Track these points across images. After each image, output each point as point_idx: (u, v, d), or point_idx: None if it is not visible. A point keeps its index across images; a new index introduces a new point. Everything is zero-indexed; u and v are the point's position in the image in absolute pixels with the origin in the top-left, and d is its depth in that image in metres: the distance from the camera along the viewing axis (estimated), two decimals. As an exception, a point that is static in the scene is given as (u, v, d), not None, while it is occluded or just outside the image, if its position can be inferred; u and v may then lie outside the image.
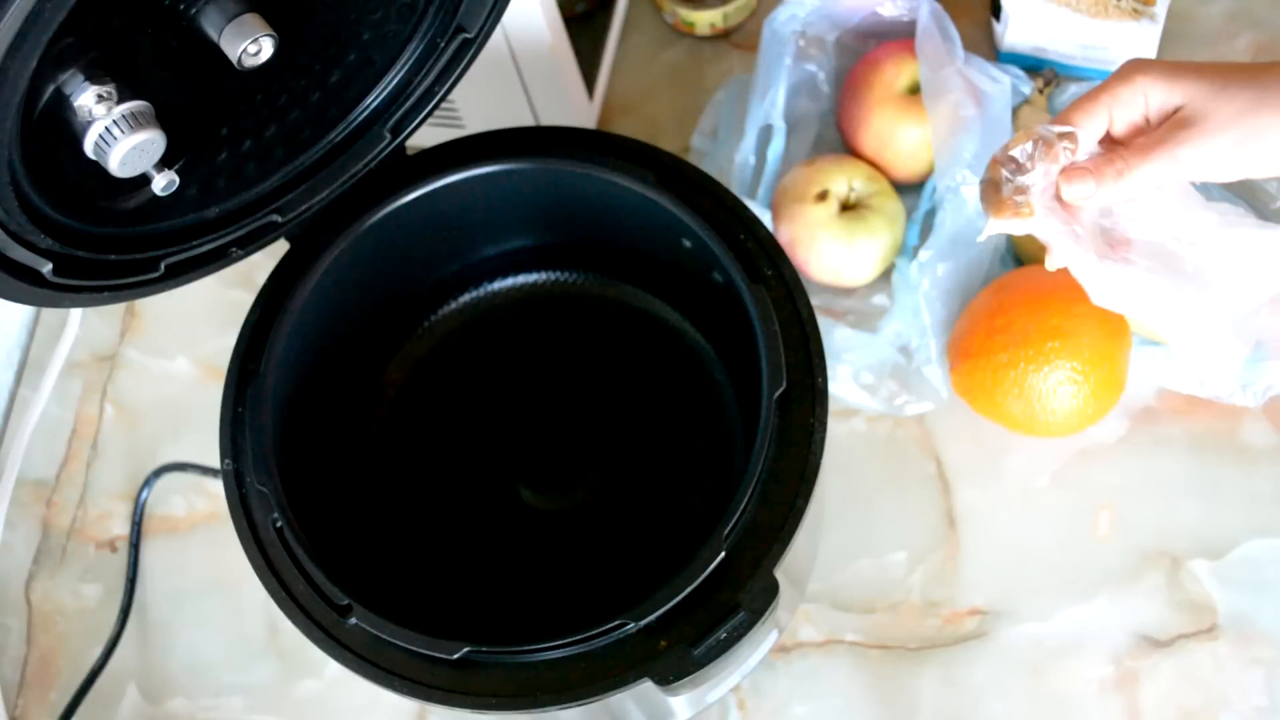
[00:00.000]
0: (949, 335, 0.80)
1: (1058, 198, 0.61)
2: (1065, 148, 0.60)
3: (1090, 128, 0.60)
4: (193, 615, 0.83)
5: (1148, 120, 0.61)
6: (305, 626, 0.60)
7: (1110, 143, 0.61)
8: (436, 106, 0.69)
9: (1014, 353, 0.74)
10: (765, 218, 0.83)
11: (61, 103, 0.54)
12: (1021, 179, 0.60)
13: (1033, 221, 0.60)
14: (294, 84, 0.65)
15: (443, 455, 0.75)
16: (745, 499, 0.60)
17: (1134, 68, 0.60)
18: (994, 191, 0.61)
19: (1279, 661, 0.73)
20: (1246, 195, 0.80)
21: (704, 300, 0.71)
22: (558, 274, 0.78)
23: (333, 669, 0.79)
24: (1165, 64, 0.60)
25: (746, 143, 0.84)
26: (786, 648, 0.76)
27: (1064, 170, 0.60)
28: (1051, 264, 0.62)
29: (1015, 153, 0.61)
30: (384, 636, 0.59)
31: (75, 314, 0.92)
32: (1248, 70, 0.59)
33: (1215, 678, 0.73)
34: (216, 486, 0.86)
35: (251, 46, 0.58)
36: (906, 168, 0.85)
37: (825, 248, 0.81)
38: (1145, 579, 0.76)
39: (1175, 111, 0.59)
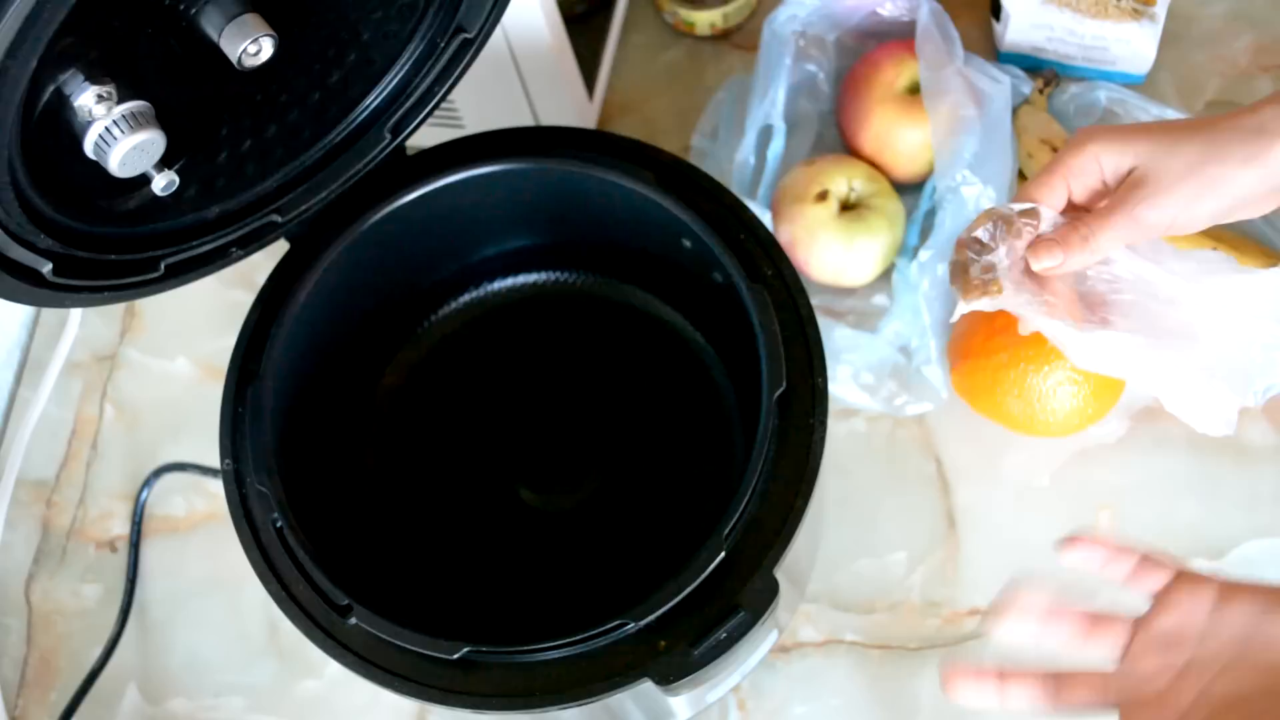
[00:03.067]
0: (949, 335, 0.80)
1: (1028, 271, 0.63)
2: (1026, 224, 0.62)
3: (1050, 200, 0.62)
4: (193, 615, 0.83)
5: (1105, 185, 0.62)
6: (305, 626, 0.60)
7: (1075, 211, 0.63)
8: (436, 106, 0.69)
9: (1014, 353, 0.74)
10: (765, 218, 0.83)
11: (61, 103, 0.54)
12: (987, 258, 0.62)
13: (1002, 299, 0.62)
14: (294, 84, 0.65)
15: (443, 455, 0.75)
16: (745, 499, 0.60)
17: (1085, 136, 0.62)
18: (962, 273, 0.63)
19: (1279, 661, 0.73)
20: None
21: (704, 300, 0.71)
22: (558, 274, 0.78)
23: (333, 669, 0.79)
24: (1115, 129, 0.61)
25: (746, 143, 0.84)
26: (786, 648, 0.76)
27: (1031, 244, 0.62)
28: (1025, 329, 0.63)
29: (979, 233, 0.62)
30: (384, 636, 0.59)
31: (75, 314, 0.92)
32: (1195, 125, 0.60)
33: (1215, 678, 0.73)
34: (216, 486, 0.86)
35: (251, 46, 0.58)
36: (906, 168, 0.85)
37: (825, 248, 0.81)
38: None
39: (1130, 173, 0.61)
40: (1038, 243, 0.62)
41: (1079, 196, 0.63)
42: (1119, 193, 0.61)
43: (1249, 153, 0.58)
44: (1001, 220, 0.63)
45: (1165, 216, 0.60)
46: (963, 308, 0.63)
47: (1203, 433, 0.66)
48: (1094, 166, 0.61)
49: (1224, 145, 0.59)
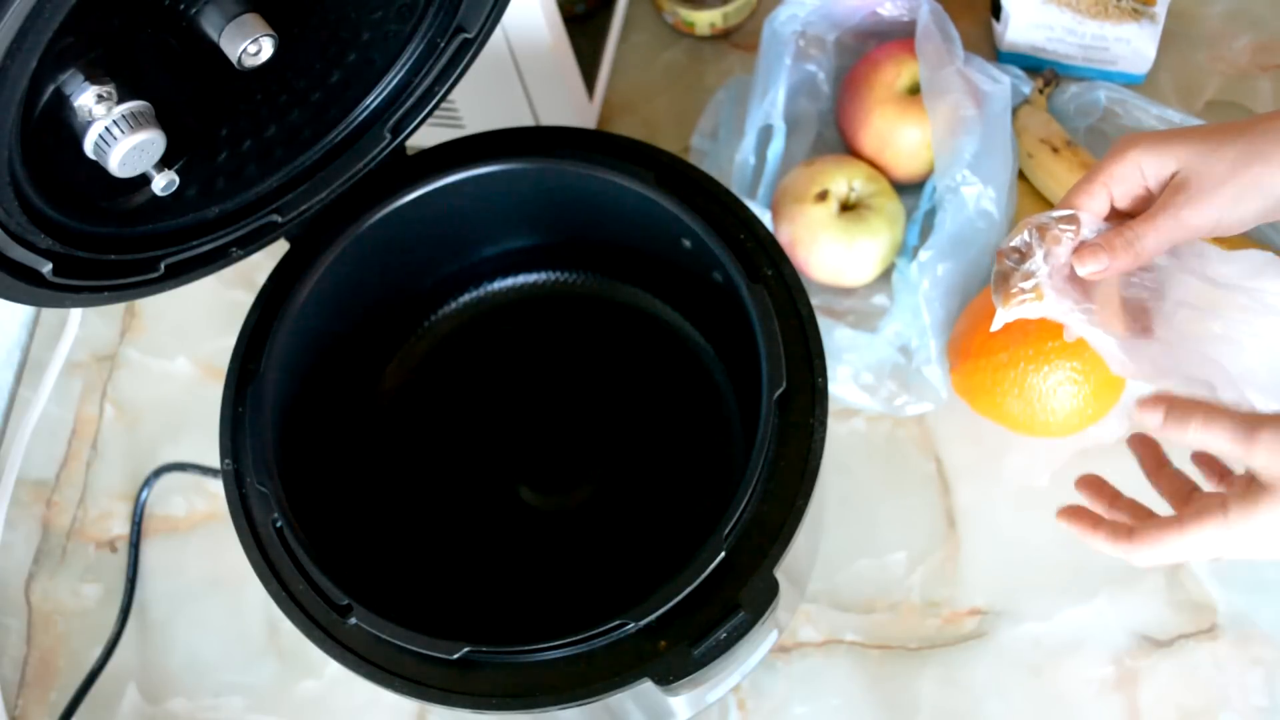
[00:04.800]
0: (949, 335, 0.80)
1: (1071, 277, 0.63)
2: (1065, 230, 0.62)
3: (1092, 206, 0.62)
4: (193, 615, 0.83)
5: (1148, 190, 0.62)
6: (305, 626, 0.60)
7: (1119, 217, 0.63)
8: (436, 106, 0.69)
9: (1014, 353, 0.74)
10: (765, 218, 0.83)
11: (61, 103, 0.54)
12: (1026, 266, 0.62)
13: (1043, 305, 0.62)
14: (294, 84, 0.65)
15: (443, 455, 0.75)
16: (745, 499, 0.60)
17: (1126, 143, 0.62)
18: (1002, 282, 0.63)
19: (1279, 662, 0.73)
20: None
21: (704, 300, 0.71)
22: (558, 274, 0.78)
23: (333, 669, 0.79)
24: (1156, 134, 0.62)
25: (746, 143, 0.84)
26: (786, 648, 0.77)
27: (1077, 249, 0.62)
28: (1069, 336, 0.64)
29: (1015, 242, 0.63)
30: (384, 636, 0.59)
31: (75, 314, 0.92)
32: (1236, 127, 0.60)
33: (1215, 678, 0.73)
34: (216, 486, 0.86)
35: (251, 46, 0.58)
36: (906, 168, 0.85)
37: (825, 248, 0.81)
38: (1145, 579, 0.76)
39: (1172, 177, 0.61)
40: (1083, 247, 0.62)
41: (1122, 203, 0.63)
42: (1163, 197, 0.61)
43: None
44: (1039, 228, 0.63)
45: (1209, 218, 0.60)
46: (1004, 315, 0.63)
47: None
48: (1136, 173, 0.62)
49: (1265, 146, 0.59)
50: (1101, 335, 0.62)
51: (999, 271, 0.64)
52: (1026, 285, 0.62)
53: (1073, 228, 0.62)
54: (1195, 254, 0.65)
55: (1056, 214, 0.62)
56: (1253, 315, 0.64)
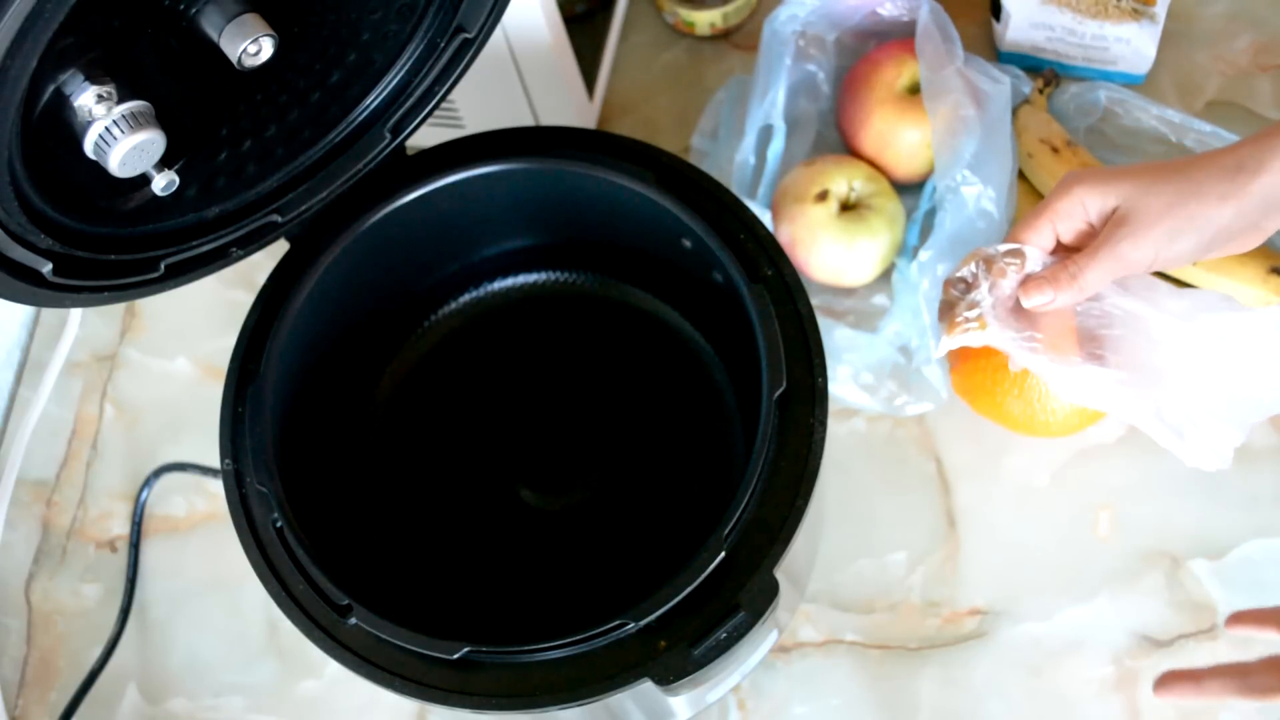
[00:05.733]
0: (949, 335, 0.80)
1: (1015, 309, 0.66)
2: (1009, 263, 0.65)
3: (1037, 241, 0.65)
4: (193, 615, 0.83)
5: (1091, 226, 0.65)
6: (305, 626, 0.60)
7: (1065, 251, 0.66)
8: (436, 106, 0.69)
9: (1014, 353, 0.74)
10: (765, 218, 0.83)
11: (61, 103, 0.54)
12: (972, 296, 0.65)
13: (986, 334, 0.65)
14: (294, 84, 0.65)
15: (443, 455, 0.75)
16: (745, 499, 0.60)
17: (1071, 180, 0.64)
18: (948, 311, 0.66)
19: (1279, 661, 0.73)
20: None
21: (704, 300, 0.71)
22: (558, 274, 0.78)
23: (333, 669, 0.79)
24: (1099, 171, 0.64)
25: (746, 143, 0.84)
26: (786, 648, 0.77)
27: (1023, 281, 0.65)
28: (1014, 365, 0.66)
29: (963, 273, 0.66)
30: (384, 636, 0.59)
31: (75, 314, 0.92)
32: (1174, 165, 0.63)
33: (1215, 678, 0.73)
34: (216, 486, 0.86)
35: (251, 46, 0.58)
36: (906, 168, 0.85)
37: (825, 248, 0.81)
38: (1145, 579, 0.76)
39: (1113, 213, 0.63)
40: (1028, 281, 0.65)
41: (1067, 238, 0.65)
42: (1104, 232, 0.63)
43: (1225, 190, 0.61)
44: (985, 260, 0.66)
45: (1147, 253, 0.62)
46: (947, 342, 0.66)
47: (1192, 467, 0.66)
48: (1079, 209, 0.64)
49: (1201, 183, 0.61)
50: (1044, 363, 0.65)
51: (945, 301, 0.67)
52: (971, 315, 0.65)
53: (1018, 261, 0.65)
54: (1146, 287, 0.66)
55: (1002, 248, 0.65)
56: (1201, 348, 0.65)
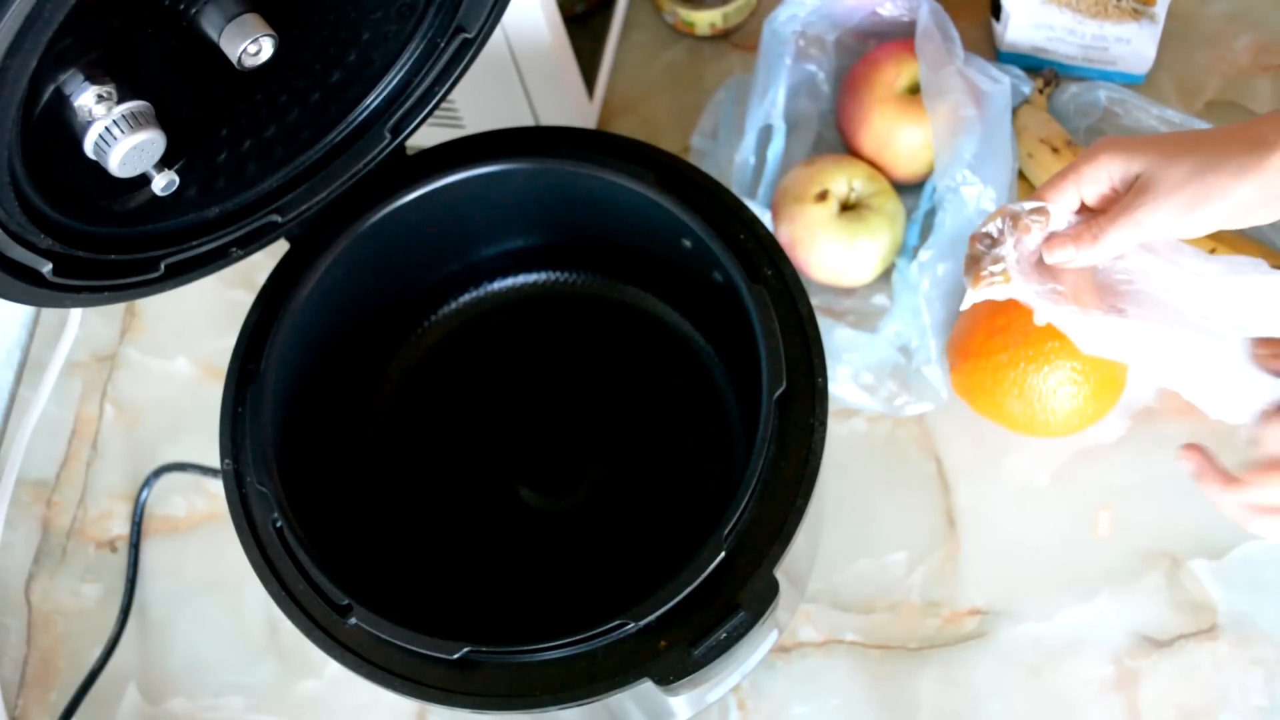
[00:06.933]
0: (949, 335, 0.80)
1: (1038, 265, 0.67)
2: (1034, 221, 0.66)
3: (1061, 202, 0.66)
4: (193, 615, 0.83)
5: (1115, 191, 0.66)
6: (305, 626, 0.60)
7: (1090, 214, 0.67)
8: (436, 106, 0.69)
9: (1014, 353, 0.74)
10: (765, 218, 0.83)
11: (61, 103, 0.54)
12: (996, 250, 0.66)
13: (1010, 287, 0.65)
14: (294, 84, 0.65)
15: (443, 455, 0.75)
16: (745, 499, 0.60)
17: (1099, 146, 0.65)
18: (974, 265, 0.67)
19: (1279, 661, 0.73)
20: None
21: (704, 300, 0.71)
22: (558, 274, 0.78)
23: (333, 669, 0.79)
24: (1126, 139, 0.65)
25: (746, 143, 0.84)
26: (786, 648, 0.77)
27: (1047, 239, 0.66)
28: (1039, 319, 0.66)
29: (988, 228, 0.67)
30: (384, 636, 0.59)
31: (75, 314, 0.92)
32: (1197, 136, 0.64)
33: (1215, 678, 0.73)
34: (216, 486, 0.86)
35: (251, 46, 0.58)
36: (906, 168, 0.85)
37: (825, 248, 0.81)
38: (1145, 579, 0.76)
39: (1136, 180, 0.64)
40: (1053, 238, 0.66)
41: (1091, 200, 0.66)
42: (1126, 198, 0.64)
43: (1244, 163, 0.61)
44: (1011, 217, 0.66)
45: (1165, 220, 0.63)
46: (972, 295, 0.66)
47: (1217, 419, 0.66)
48: (1104, 174, 0.65)
49: (1221, 156, 0.62)
50: (1067, 314, 0.65)
51: (970, 255, 0.67)
52: (995, 269, 0.66)
53: (1042, 219, 0.66)
54: (1172, 249, 0.67)
55: (1028, 205, 0.66)
56: (1227, 309, 0.66)
